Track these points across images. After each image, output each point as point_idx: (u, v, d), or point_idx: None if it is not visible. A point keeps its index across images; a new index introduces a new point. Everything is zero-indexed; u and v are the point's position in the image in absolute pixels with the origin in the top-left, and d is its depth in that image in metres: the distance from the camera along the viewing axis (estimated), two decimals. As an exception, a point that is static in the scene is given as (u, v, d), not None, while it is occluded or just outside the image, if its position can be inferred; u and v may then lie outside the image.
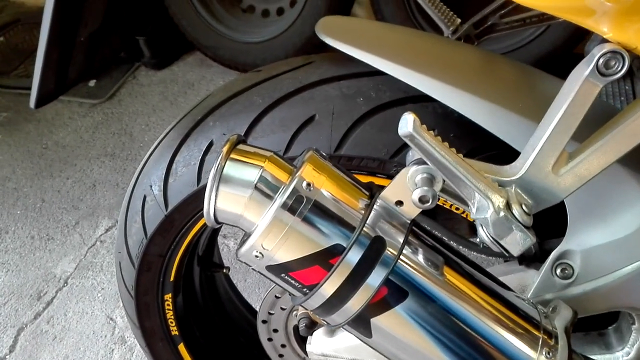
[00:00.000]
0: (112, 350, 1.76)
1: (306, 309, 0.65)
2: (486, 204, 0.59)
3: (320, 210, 0.61)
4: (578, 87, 0.62)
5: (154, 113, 2.70)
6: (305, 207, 0.60)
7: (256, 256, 0.61)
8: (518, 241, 0.59)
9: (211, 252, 1.24)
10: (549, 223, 0.84)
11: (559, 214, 0.82)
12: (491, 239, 0.60)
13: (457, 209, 0.90)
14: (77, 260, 2.05)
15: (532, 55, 2.35)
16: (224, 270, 1.26)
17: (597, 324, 0.94)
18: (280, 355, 1.14)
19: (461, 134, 0.85)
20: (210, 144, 0.91)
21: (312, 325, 0.99)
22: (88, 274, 2.00)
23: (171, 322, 1.13)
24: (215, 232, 1.21)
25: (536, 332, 0.67)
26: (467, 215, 0.91)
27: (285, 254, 0.61)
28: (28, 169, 2.46)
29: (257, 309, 1.10)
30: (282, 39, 2.58)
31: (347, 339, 0.93)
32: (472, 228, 1.07)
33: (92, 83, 2.87)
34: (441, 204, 0.92)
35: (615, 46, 0.60)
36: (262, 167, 0.63)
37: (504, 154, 0.81)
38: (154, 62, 2.93)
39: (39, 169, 2.45)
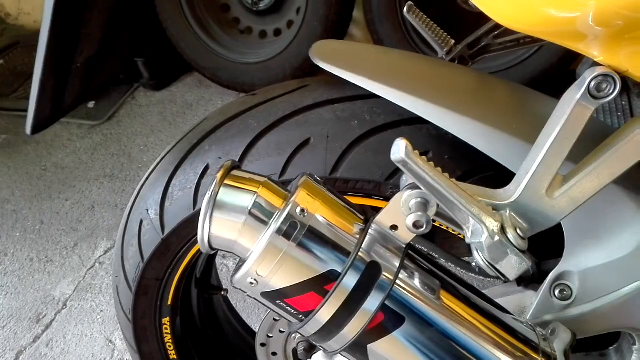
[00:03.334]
0: (111, 373, 1.74)
1: (303, 336, 0.65)
2: (481, 229, 0.59)
3: (315, 235, 0.61)
4: (570, 110, 0.62)
5: (153, 134, 2.70)
6: (300, 233, 0.60)
7: (251, 283, 0.61)
8: (513, 265, 0.59)
9: (209, 274, 1.23)
10: (547, 244, 0.84)
11: (556, 235, 0.81)
12: (487, 263, 0.59)
13: (453, 230, 0.90)
14: (76, 282, 2.04)
15: (527, 73, 2.36)
16: (222, 293, 1.25)
17: (598, 344, 0.93)
18: (280, 379, 1.13)
19: (455, 156, 0.85)
20: (206, 168, 0.91)
21: (311, 349, 0.98)
22: (87, 296, 1.99)
23: (169, 346, 1.12)
24: (213, 255, 1.21)
25: (535, 356, 0.67)
26: (463, 236, 0.91)
27: (280, 281, 0.61)
28: (27, 190, 2.46)
29: (256, 331, 1.09)
30: (280, 59, 2.60)
31: (345, 363, 0.93)
32: (470, 248, 1.06)
33: (91, 104, 2.89)
34: (438, 225, 0.91)
35: (607, 69, 0.61)
36: (256, 192, 0.63)
37: (499, 175, 0.81)
38: (152, 83, 2.95)
39: (38, 190, 2.45)
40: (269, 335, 1.07)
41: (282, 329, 1.06)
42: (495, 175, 0.84)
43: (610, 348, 0.92)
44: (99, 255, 2.13)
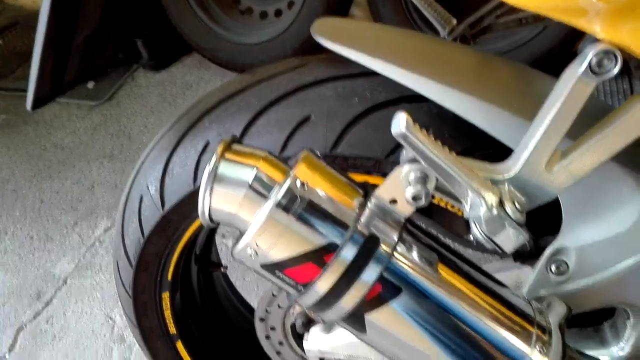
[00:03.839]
0: (112, 349, 1.76)
1: (301, 307, 0.66)
2: (479, 202, 0.59)
3: (314, 208, 0.61)
4: (571, 86, 0.62)
5: (152, 114, 2.70)
6: (300, 206, 0.61)
7: (250, 255, 0.62)
8: (511, 238, 0.59)
9: (209, 251, 1.24)
10: (544, 220, 0.84)
11: (553, 211, 0.82)
12: (484, 236, 0.60)
13: (452, 206, 0.91)
14: (76, 260, 2.06)
15: (530, 54, 2.35)
16: (222, 269, 1.26)
17: (592, 320, 0.95)
18: (278, 353, 1.14)
19: (456, 133, 0.85)
20: (206, 145, 0.91)
21: (309, 323, 1.00)
22: (87, 273, 2.00)
23: (169, 321, 1.14)
24: (212, 232, 1.21)
25: (530, 328, 0.68)
26: (462, 212, 0.92)
27: (279, 252, 0.61)
28: (27, 170, 2.46)
29: (255, 307, 1.10)
30: (280, 40, 2.59)
31: (343, 336, 0.94)
32: (469, 226, 1.07)
33: (90, 85, 2.88)
34: (436, 202, 0.92)
35: (608, 46, 0.61)
36: (256, 166, 0.63)
37: (499, 152, 0.81)
38: (152, 63, 2.94)
39: (38, 170, 2.45)
40: (268, 310, 1.09)
41: (280, 304, 1.07)
42: (494, 153, 0.84)
43: (605, 323, 0.93)
44: (99, 234, 2.15)
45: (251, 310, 1.37)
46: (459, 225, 1.05)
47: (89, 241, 2.12)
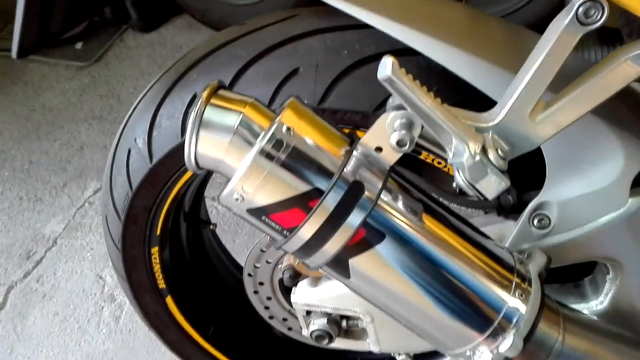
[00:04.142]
0: (102, 307, 1.78)
1: (287, 252, 0.67)
2: (463, 148, 0.60)
3: (300, 154, 0.62)
4: (557, 36, 0.63)
5: (142, 76, 2.67)
6: (285, 151, 0.61)
7: (237, 199, 0.62)
8: (492, 185, 0.60)
9: (197, 208, 1.25)
10: (528, 176, 0.85)
11: (538, 167, 0.83)
12: (467, 182, 0.61)
13: (439, 162, 0.92)
14: (66, 221, 2.06)
15: (526, 19, 2.34)
16: (211, 227, 1.27)
17: (572, 276, 0.97)
18: (266, 308, 1.16)
19: (444, 87, 0.85)
20: (194, 97, 0.91)
21: (297, 276, 1.01)
22: (77, 234, 2.01)
23: (158, 276, 1.15)
24: (201, 189, 1.22)
25: (510, 276, 0.70)
26: (449, 169, 0.93)
27: (265, 197, 0.62)
28: (15, 131, 2.44)
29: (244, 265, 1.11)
30: (272, 0, 2.55)
31: (330, 289, 0.96)
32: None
33: (78, 46, 2.83)
34: (424, 159, 0.93)
35: (595, -4, 0.61)
36: (242, 112, 0.63)
37: (485, 109, 0.82)
38: (141, 24, 2.88)
39: (27, 131, 2.43)
40: (256, 265, 1.10)
41: (269, 260, 1.08)
42: (480, 108, 0.85)
43: (585, 279, 0.95)
44: (89, 195, 2.15)
45: (240, 268, 1.39)
46: (446, 182, 1.07)
47: (78, 202, 2.12)
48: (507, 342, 0.68)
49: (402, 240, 0.65)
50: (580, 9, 0.61)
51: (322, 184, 0.62)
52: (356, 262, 0.64)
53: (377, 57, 0.87)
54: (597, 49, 1.06)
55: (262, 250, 1.07)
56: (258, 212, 0.63)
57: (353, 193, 0.62)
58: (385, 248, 0.64)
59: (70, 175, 2.22)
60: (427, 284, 0.66)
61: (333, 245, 0.62)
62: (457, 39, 0.81)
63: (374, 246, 0.64)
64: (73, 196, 2.14)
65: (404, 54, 0.86)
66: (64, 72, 2.72)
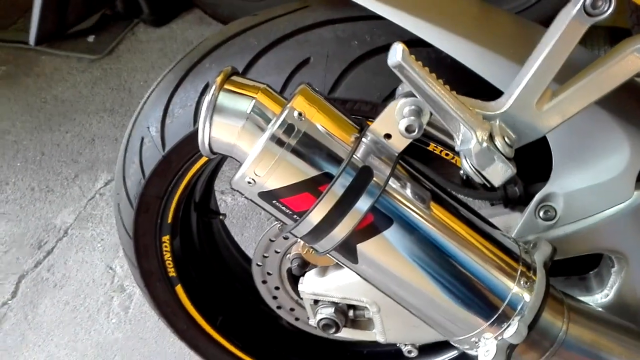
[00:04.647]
0: (112, 297, 1.81)
1: (296, 236, 0.68)
2: (470, 135, 0.61)
3: (311, 140, 0.63)
4: (565, 26, 0.64)
5: (153, 70, 2.69)
6: (296, 137, 0.63)
7: (249, 183, 0.64)
8: (499, 172, 0.61)
9: (208, 198, 1.26)
10: (534, 168, 0.86)
11: (544, 159, 0.84)
12: (474, 169, 0.62)
13: (446, 154, 0.93)
14: (77, 211, 2.08)
15: (538, 16, 2.33)
16: (220, 217, 1.29)
17: (578, 269, 0.98)
18: (274, 297, 1.18)
19: (453, 79, 0.86)
20: (207, 86, 0.92)
21: (305, 266, 1.03)
22: (88, 225, 2.03)
23: (169, 264, 1.17)
24: (211, 179, 1.23)
25: (515, 265, 0.71)
26: (456, 160, 0.94)
27: (276, 181, 0.63)
28: (27, 122, 2.47)
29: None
30: (283, -4, 2.56)
31: (337, 279, 0.97)
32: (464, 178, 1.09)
33: (90, 38, 2.85)
34: (431, 150, 0.94)
35: (603, -13, 0.62)
36: (254, 98, 0.65)
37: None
38: (152, 19, 2.91)
39: (39, 122, 2.46)
40: (265, 255, 1.11)
41: (277, 250, 1.10)
42: (489, 101, 0.86)
43: (590, 272, 0.96)
44: (100, 187, 2.17)
45: (248, 259, 1.40)
46: (453, 174, 1.08)
47: (89, 194, 2.15)
48: (512, 329, 0.69)
49: (409, 226, 0.66)
50: (588, 0, 0.62)
51: (331, 169, 0.64)
52: (364, 248, 0.66)
53: (387, 48, 0.87)
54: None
55: (270, 240, 1.09)
56: (269, 196, 0.65)
57: (362, 178, 0.63)
58: (392, 234, 0.65)
59: (82, 167, 2.25)
60: (433, 270, 0.68)
61: (341, 230, 0.64)
62: (467, 31, 0.82)
63: (382, 232, 0.65)
64: (84, 187, 2.17)
65: (415, 45, 0.87)
66: (76, 65, 2.75)
